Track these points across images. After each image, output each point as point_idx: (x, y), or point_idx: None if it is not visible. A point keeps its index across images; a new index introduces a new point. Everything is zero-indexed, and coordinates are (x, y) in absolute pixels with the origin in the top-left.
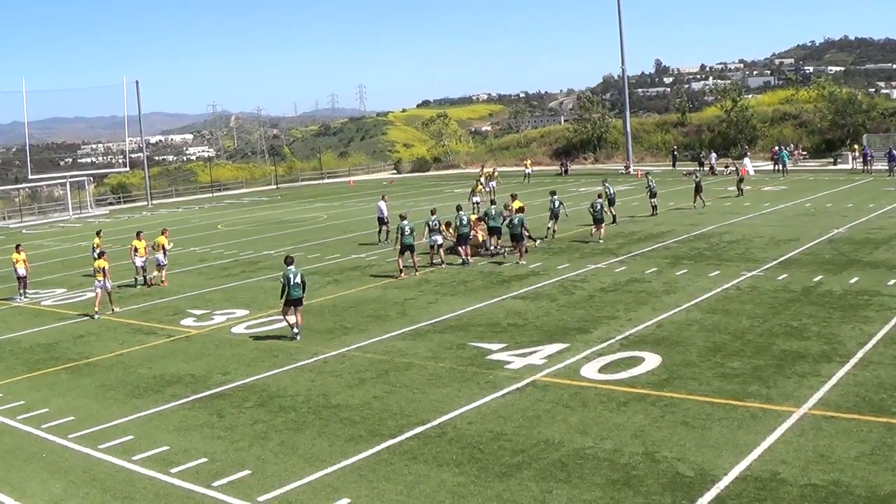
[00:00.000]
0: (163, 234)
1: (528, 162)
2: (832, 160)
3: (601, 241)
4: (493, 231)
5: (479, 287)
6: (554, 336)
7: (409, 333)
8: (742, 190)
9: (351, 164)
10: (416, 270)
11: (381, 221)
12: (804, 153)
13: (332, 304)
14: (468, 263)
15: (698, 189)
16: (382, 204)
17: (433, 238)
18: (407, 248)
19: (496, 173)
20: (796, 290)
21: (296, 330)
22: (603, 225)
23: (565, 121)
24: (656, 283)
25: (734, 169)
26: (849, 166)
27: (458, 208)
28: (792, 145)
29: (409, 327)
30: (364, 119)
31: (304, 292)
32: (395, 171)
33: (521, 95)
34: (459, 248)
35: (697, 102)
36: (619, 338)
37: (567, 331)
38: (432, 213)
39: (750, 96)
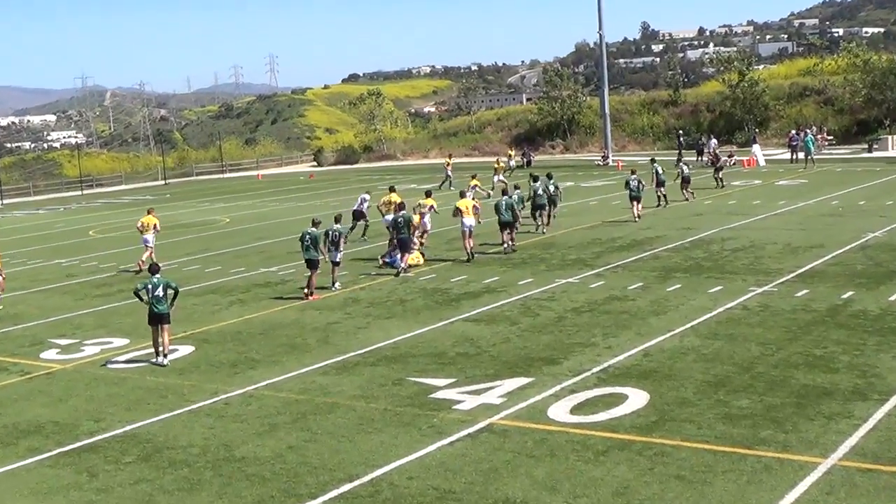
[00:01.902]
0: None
1: (511, 152)
2: (867, 146)
3: (638, 219)
4: (505, 225)
5: (420, 307)
6: (515, 368)
7: (333, 366)
8: (720, 180)
9: (260, 154)
10: (334, 283)
11: (359, 216)
12: (830, 138)
13: (236, 331)
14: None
15: (685, 181)
16: (365, 196)
17: (333, 254)
18: (310, 263)
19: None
20: (820, 309)
21: (161, 359)
22: (638, 204)
23: (528, 100)
24: (642, 302)
25: (735, 160)
26: (889, 153)
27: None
28: (814, 128)
29: (334, 359)
30: (276, 98)
31: (171, 306)
32: (314, 164)
33: (473, 68)
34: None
35: (694, 76)
36: (595, 370)
37: (531, 361)
38: (336, 220)
39: (761, 67)
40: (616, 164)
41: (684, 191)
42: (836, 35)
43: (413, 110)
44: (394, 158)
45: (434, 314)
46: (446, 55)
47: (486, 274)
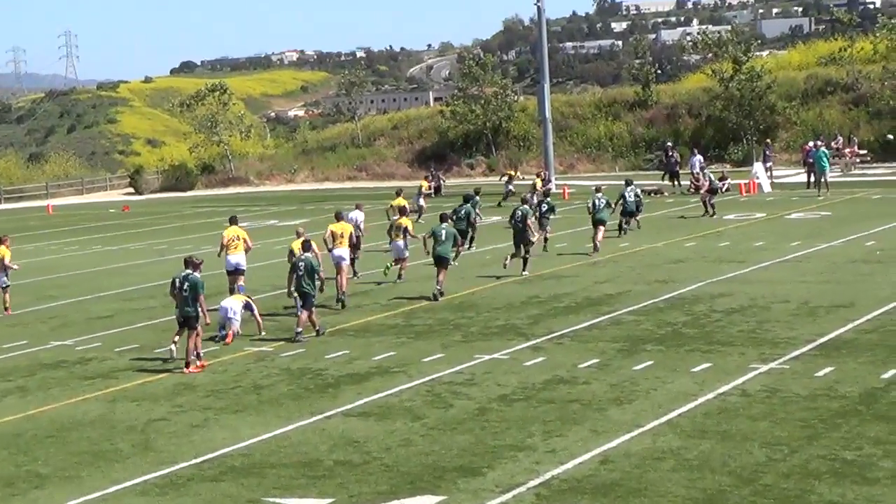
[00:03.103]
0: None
1: (514, 171)
2: None
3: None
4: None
5: (283, 396)
6: (418, 483)
7: (156, 483)
8: (711, 207)
9: (51, 175)
10: (196, 358)
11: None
12: (863, 153)
13: (14, 433)
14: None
15: (712, 192)
16: (358, 215)
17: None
18: (187, 321)
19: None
20: (850, 395)
21: None
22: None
23: (437, 99)
24: (599, 386)
25: (728, 184)
26: None
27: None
28: (840, 139)
29: (157, 471)
30: (74, 95)
31: None
32: (131, 190)
33: (359, 55)
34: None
35: (671, 66)
36: (533, 484)
37: (442, 473)
38: (190, 265)
39: (765, 53)
40: (562, 190)
41: (707, 203)
42: (870, 6)
43: (273, 114)
44: (246, 183)
45: (302, 405)
46: (320, 37)
47: (377, 347)
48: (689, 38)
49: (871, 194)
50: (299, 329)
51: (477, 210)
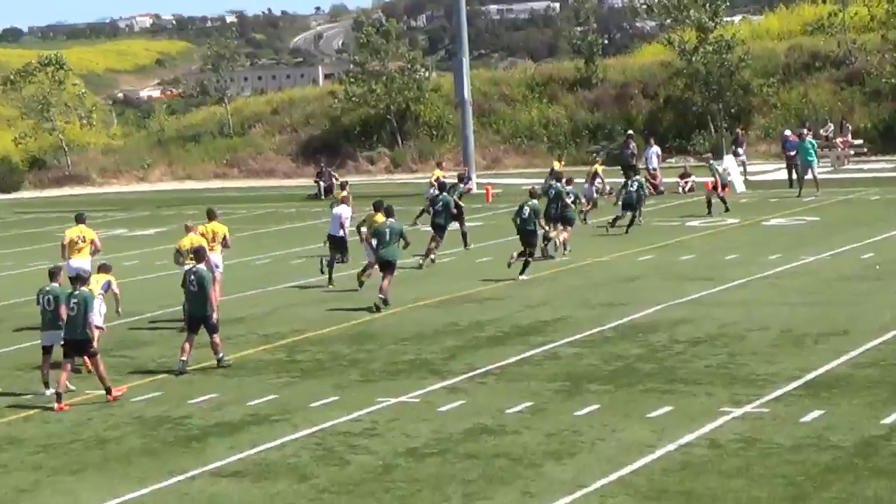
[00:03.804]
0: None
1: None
2: None
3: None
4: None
5: (135, 451)
6: None
7: None
8: (722, 202)
9: None
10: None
11: (338, 245)
12: (857, 143)
13: None
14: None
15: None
16: (343, 210)
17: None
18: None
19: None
20: (845, 444)
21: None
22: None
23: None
24: (532, 436)
25: (692, 182)
26: None
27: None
28: (830, 126)
29: None
30: None
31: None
32: None
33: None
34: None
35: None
36: None
37: None
38: (52, 275)
39: (738, 19)
40: (485, 190)
41: (722, 199)
42: None
43: (121, 95)
44: (86, 182)
45: (160, 463)
46: None
47: (253, 389)
48: (641, 0)
49: (869, 194)
50: (184, 358)
51: (456, 197)
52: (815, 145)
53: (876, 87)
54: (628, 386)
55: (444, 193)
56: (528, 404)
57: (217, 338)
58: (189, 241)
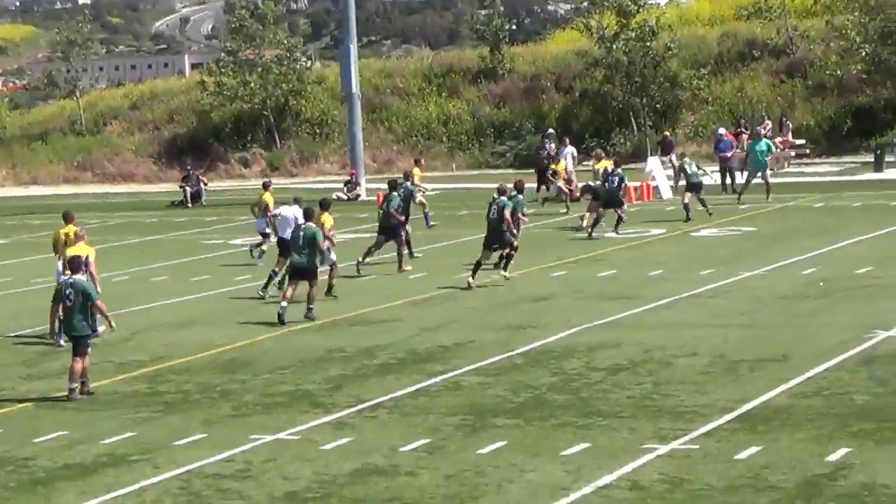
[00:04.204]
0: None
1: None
2: (873, 158)
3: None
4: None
5: None
6: None
7: None
8: (703, 204)
9: None
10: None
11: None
12: (799, 143)
13: None
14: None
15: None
16: (297, 212)
17: None
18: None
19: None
20: (785, 485)
21: None
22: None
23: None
24: (429, 478)
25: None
26: None
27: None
28: (768, 123)
29: None
30: None
31: None
32: None
33: (81, 2)
34: None
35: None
36: None
37: None
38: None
39: (663, 2)
40: (376, 198)
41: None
42: None
43: None
44: None
45: None
46: None
47: (109, 425)
48: None
49: (811, 201)
50: (73, 385)
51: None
52: (772, 147)
53: (820, 80)
54: (539, 420)
55: (394, 193)
56: (424, 441)
57: (81, 363)
58: (63, 233)
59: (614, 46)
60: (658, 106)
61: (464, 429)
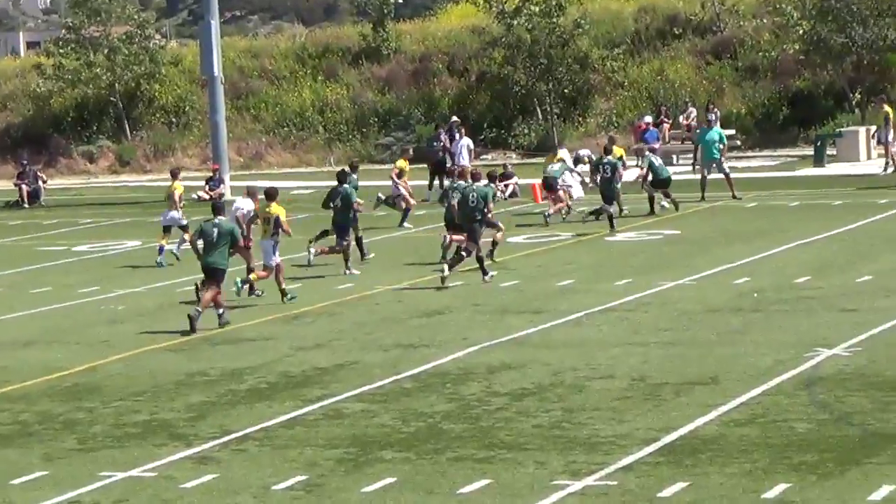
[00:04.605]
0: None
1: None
2: (813, 151)
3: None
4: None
5: None
6: None
7: None
8: (671, 201)
9: None
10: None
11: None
12: (728, 135)
13: None
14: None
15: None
16: (248, 204)
17: None
18: None
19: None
20: None
21: None
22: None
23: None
24: None
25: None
26: (861, 167)
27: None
28: (692, 111)
29: None
30: None
31: None
32: None
33: None
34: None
35: None
36: None
37: None
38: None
39: None
40: (255, 203)
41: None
42: None
43: None
44: None
45: None
46: None
47: None
48: None
49: (744, 200)
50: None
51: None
52: (724, 137)
53: (751, 62)
54: (433, 453)
55: (345, 185)
56: (301, 478)
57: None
58: None
59: (515, 23)
60: (566, 91)
61: (346, 463)
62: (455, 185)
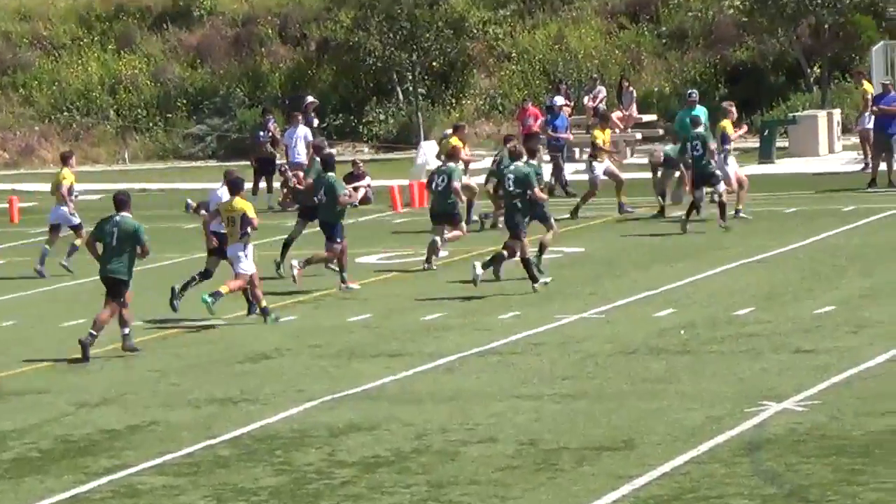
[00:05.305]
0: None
1: None
2: (761, 140)
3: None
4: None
5: None
6: None
7: None
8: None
9: None
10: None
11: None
12: (647, 122)
13: None
14: None
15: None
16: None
17: None
18: None
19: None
20: None
21: None
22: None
23: None
24: None
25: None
26: (821, 162)
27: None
28: (600, 91)
29: None
30: None
31: None
32: None
33: None
34: None
35: None
36: None
37: None
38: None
39: None
40: (8, 204)
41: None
42: None
43: None
44: None
45: None
46: None
47: None
48: None
49: (671, 209)
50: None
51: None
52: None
53: (678, 27)
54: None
55: (330, 174)
56: None
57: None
58: None
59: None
60: (435, 64)
61: None
62: (438, 168)
